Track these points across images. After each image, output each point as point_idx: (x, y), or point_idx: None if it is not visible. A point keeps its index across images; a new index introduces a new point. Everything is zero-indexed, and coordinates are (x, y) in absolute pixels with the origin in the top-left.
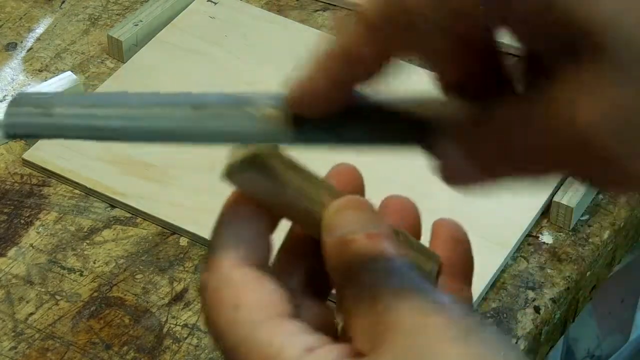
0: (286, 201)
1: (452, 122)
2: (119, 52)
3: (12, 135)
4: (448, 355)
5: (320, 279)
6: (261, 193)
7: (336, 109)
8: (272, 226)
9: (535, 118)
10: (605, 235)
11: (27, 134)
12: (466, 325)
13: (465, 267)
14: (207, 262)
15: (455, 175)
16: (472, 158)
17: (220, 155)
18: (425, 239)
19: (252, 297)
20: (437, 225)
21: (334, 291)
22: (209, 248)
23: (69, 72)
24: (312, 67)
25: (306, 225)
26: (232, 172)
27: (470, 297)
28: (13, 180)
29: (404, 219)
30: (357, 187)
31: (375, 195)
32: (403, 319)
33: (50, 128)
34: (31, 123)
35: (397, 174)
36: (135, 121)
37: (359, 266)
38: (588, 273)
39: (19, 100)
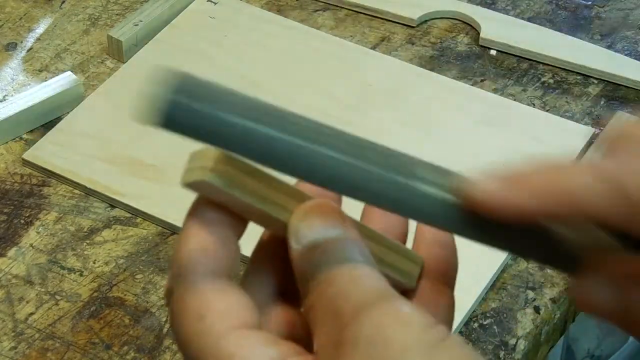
0: (251, 208)
1: (605, 257)
2: (119, 52)
3: (164, 125)
4: None
5: (293, 284)
6: (223, 201)
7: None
8: (239, 230)
9: None
10: None
11: (183, 132)
12: (429, 340)
13: (448, 270)
14: (173, 271)
15: (589, 303)
16: (615, 297)
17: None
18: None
19: (218, 307)
20: (421, 228)
21: None
22: (173, 257)
23: (69, 72)
24: (521, 183)
25: (274, 230)
26: (191, 180)
27: (452, 302)
28: (13, 180)
29: (388, 223)
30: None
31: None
32: (364, 332)
33: (217, 137)
34: (196, 124)
35: None
36: (339, 168)
37: (322, 275)
38: None
39: (184, 86)
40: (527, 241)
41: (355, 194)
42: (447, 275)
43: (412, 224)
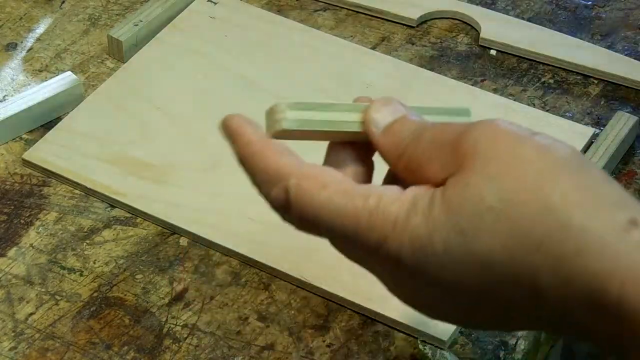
0: (324, 134)
1: None
2: (119, 52)
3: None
4: (562, 184)
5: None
6: (303, 137)
7: None
8: None
9: None
10: None
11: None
12: (576, 161)
13: None
14: (272, 179)
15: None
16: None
17: (220, 155)
18: None
19: (331, 176)
20: None
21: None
22: (263, 169)
23: (69, 72)
24: None
25: (342, 139)
26: (274, 131)
27: None
28: (13, 180)
29: None
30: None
31: None
32: (495, 147)
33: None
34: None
35: None
36: None
37: (410, 134)
38: None
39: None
40: None
41: None
42: None
43: None
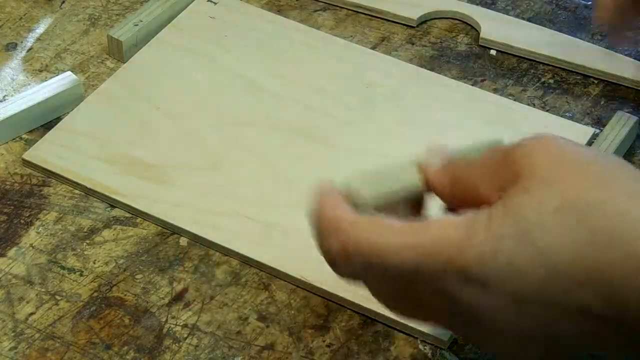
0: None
1: None
2: (119, 52)
3: None
4: (623, 184)
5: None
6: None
7: None
8: None
9: None
10: None
11: None
12: (627, 165)
13: None
14: (331, 227)
15: (609, 15)
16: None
17: (220, 155)
18: None
19: (387, 219)
20: None
21: None
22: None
23: (69, 72)
24: None
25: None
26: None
27: None
28: (13, 180)
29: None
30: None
31: None
32: (550, 154)
33: None
34: None
35: None
36: None
37: (460, 166)
38: None
39: None
40: None
41: None
42: None
43: None
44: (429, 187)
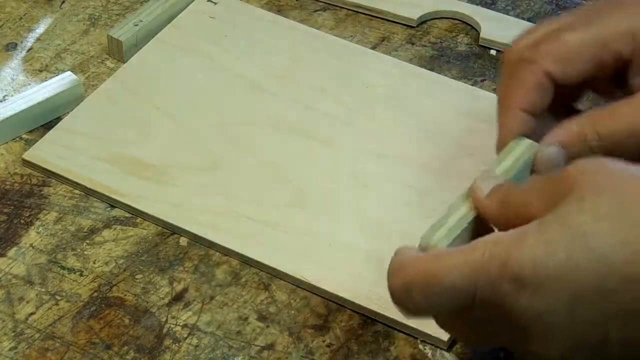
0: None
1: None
2: (119, 52)
3: None
4: None
5: None
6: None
7: None
8: None
9: None
10: None
11: None
12: None
13: None
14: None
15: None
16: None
17: (220, 155)
18: None
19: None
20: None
21: None
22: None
23: (69, 72)
24: None
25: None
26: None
27: None
28: (13, 180)
29: None
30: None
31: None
32: (604, 169)
33: None
34: None
35: (399, 173)
36: None
37: (518, 189)
38: None
39: None
40: None
41: None
42: None
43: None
44: (479, 212)
